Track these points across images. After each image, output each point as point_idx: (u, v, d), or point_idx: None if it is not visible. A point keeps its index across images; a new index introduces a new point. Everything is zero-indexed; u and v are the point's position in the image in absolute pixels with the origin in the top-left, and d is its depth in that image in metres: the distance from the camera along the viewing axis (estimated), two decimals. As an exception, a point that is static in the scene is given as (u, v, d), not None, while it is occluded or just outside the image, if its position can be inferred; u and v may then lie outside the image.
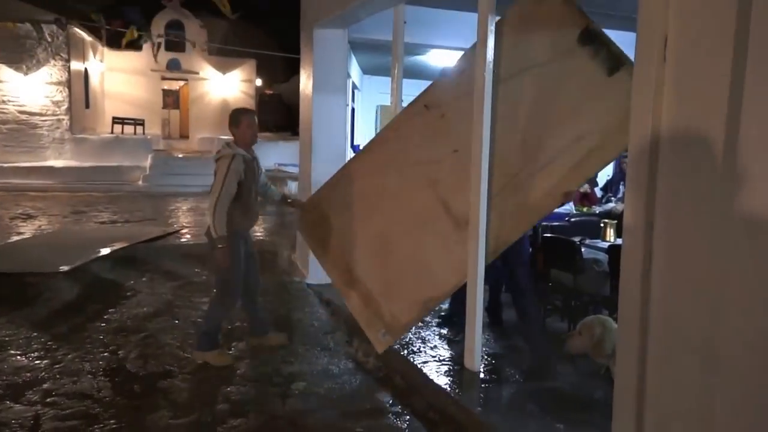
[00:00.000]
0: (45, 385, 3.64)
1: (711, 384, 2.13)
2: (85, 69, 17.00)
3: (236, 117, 4.10)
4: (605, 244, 4.60)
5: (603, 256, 4.42)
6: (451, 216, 3.74)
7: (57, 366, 3.93)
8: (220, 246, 3.86)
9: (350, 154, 10.50)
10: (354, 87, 12.05)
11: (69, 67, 15.63)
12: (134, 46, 18.65)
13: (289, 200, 4.89)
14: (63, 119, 15.52)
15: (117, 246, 6.88)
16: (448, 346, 4.29)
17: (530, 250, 4.65)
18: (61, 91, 15.59)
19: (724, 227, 2.04)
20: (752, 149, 1.93)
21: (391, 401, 3.62)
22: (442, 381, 3.69)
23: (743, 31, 1.93)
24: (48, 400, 3.45)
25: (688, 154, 2.22)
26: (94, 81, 17.85)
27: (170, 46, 19.48)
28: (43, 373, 3.81)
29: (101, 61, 18.53)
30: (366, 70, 13.00)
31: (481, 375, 3.74)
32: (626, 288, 2.48)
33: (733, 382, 2.04)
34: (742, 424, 2.02)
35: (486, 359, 3.97)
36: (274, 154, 15.15)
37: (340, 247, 4.37)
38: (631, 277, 2.45)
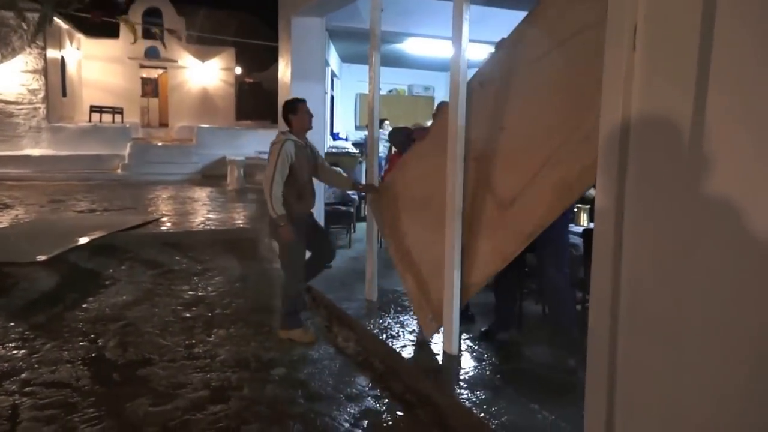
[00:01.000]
0: (23, 375, 3.63)
1: (677, 364, 2.20)
2: (62, 57, 16.74)
3: (293, 105, 4.30)
4: (579, 229, 4.66)
5: (579, 240, 4.48)
6: (496, 197, 3.62)
7: (35, 355, 3.93)
8: (281, 225, 4.08)
9: (330, 142, 10.49)
10: (333, 75, 12.01)
11: (45, 55, 15.38)
12: (112, 33, 18.41)
13: (360, 185, 5.17)
14: (39, 108, 15.28)
15: (96, 235, 6.84)
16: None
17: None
18: (37, 80, 15.35)
19: (691, 210, 2.10)
20: (718, 134, 1.99)
21: (370, 385, 3.67)
22: (421, 364, 3.74)
23: (709, 19, 1.98)
24: (26, 389, 3.45)
25: (658, 139, 2.27)
26: (71, 69, 17.58)
27: (149, 34, 19.24)
28: (21, 363, 3.80)
29: (78, 49, 18.23)
30: (345, 58, 12.96)
31: (461, 358, 3.79)
32: (598, 270, 2.53)
33: (698, 362, 2.10)
34: (708, 402, 2.08)
35: (468, 345, 4.02)
36: (253, 142, 15.05)
37: (402, 229, 4.41)
38: (602, 260, 2.50)
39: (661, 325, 2.28)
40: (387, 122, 11.65)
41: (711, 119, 1.99)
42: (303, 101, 4.37)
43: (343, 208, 7.02)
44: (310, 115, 4.34)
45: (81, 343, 4.15)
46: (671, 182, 2.20)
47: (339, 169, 7.43)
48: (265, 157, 13.79)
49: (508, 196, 3.54)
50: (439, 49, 9.46)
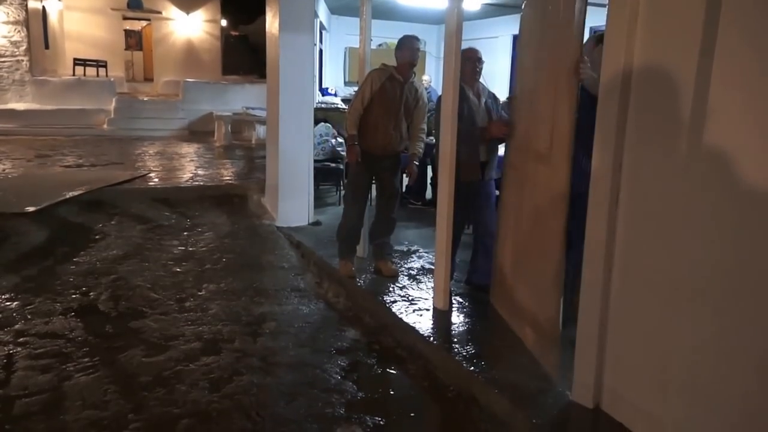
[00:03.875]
0: (17, 326, 3.67)
1: (668, 320, 2.24)
2: (43, 7, 16.28)
3: (400, 41, 4.30)
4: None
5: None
6: (532, 152, 3.34)
7: (28, 307, 3.96)
8: (349, 143, 4.26)
9: (318, 96, 10.38)
10: (322, 27, 11.80)
11: (26, 5, 14.95)
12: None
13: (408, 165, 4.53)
14: (22, 60, 14.91)
15: (84, 189, 6.80)
16: (417, 287, 4.39)
17: None
18: (19, 31, 14.93)
19: (690, 162, 2.10)
20: (721, 87, 1.97)
21: (360, 339, 3.73)
22: (411, 319, 3.79)
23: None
24: (20, 339, 3.49)
25: (657, 95, 2.26)
26: (52, 20, 17.10)
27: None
28: (15, 314, 3.83)
29: (59, -1, 17.75)
30: (334, 10, 12.70)
31: (451, 314, 3.86)
32: (593, 225, 2.55)
33: (689, 318, 2.15)
34: (696, 358, 2.14)
35: (458, 301, 4.08)
36: (241, 98, 14.84)
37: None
38: (598, 214, 2.52)
39: (654, 282, 2.32)
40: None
41: (718, 70, 1.97)
42: (412, 37, 4.31)
43: (332, 165, 7.00)
44: (415, 51, 4.23)
45: (73, 296, 4.18)
46: (669, 138, 2.21)
47: (328, 124, 7.39)
48: (254, 112, 13.49)
49: (543, 149, 3.16)
50: (432, 0, 9.30)
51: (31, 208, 5.75)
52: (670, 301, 2.21)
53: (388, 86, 4.18)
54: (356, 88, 4.44)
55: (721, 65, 1.96)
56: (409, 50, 4.22)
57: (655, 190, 2.29)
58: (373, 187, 4.62)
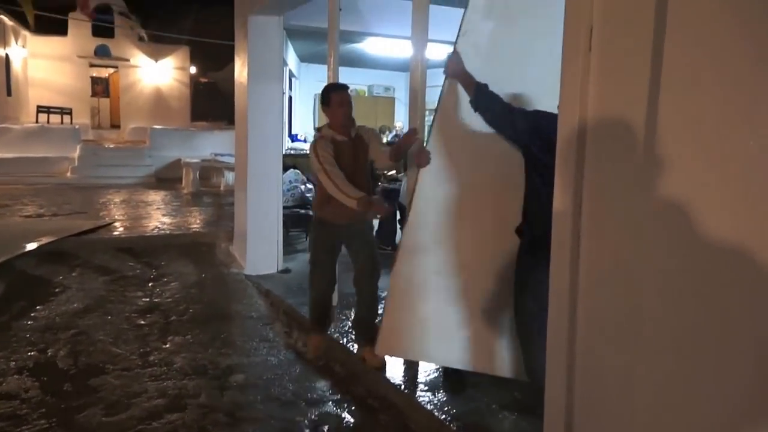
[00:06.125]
0: (-33, 388, 3.48)
1: (635, 367, 2.22)
2: (6, 55, 16.16)
3: (325, 95, 3.72)
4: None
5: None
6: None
7: (-20, 367, 3.77)
8: (367, 202, 3.50)
9: (288, 143, 10.39)
10: (291, 75, 11.91)
11: (-12, 53, 14.84)
12: (61, 31, 17.85)
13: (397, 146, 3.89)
14: (-17, 108, 14.74)
15: (44, 240, 6.61)
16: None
17: None
18: (-21, 79, 14.80)
19: (645, 213, 2.12)
20: (669, 136, 2.02)
21: (331, 389, 3.63)
22: (381, 368, 3.70)
23: (661, 20, 2.01)
24: (-29, 402, 3.31)
25: (614, 141, 2.29)
26: (16, 67, 16.97)
27: (99, 32, 18.71)
28: (-35, 375, 3.64)
29: (24, 46, 17.63)
30: (303, 58, 12.87)
31: (422, 362, 3.77)
32: (556, 273, 2.54)
33: (656, 365, 2.13)
34: (666, 404, 2.11)
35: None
36: (210, 144, 14.82)
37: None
38: (560, 262, 2.51)
39: (619, 328, 2.30)
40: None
41: (663, 122, 2.02)
42: (339, 87, 3.77)
43: (302, 211, 6.95)
44: (347, 105, 3.68)
45: (30, 353, 3.99)
46: (628, 184, 2.22)
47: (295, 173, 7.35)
48: (222, 159, 13.45)
49: None
50: (398, 49, 9.47)
51: (-13, 262, 5.56)
52: (637, 350, 2.19)
53: (338, 150, 3.65)
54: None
55: (666, 116, 2.00)
56: (338, 106, 3.67)
57: (616, 236, 2.29)
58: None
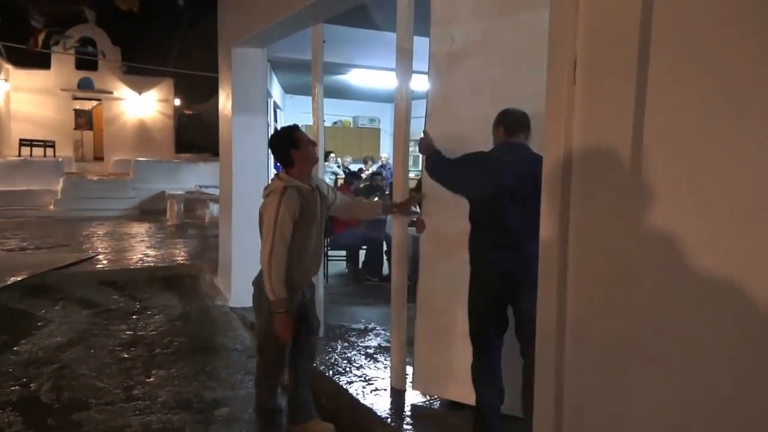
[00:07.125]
0: (-53, 425, 3.41)
1: (623, 391, 2.23)
2: (-11, 89, 16.15)
3: (288, 137, 3.14)
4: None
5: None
6: None
7: (-40, 404, 3.69)
8: (279, 311, 2.94)
9: (272, 174, 10.40)
10: (276, 107, 11.98)
11: (-30, 87, 14.80)
12: (43, 64, 17.86)
13: (394, 206, 3.71)
14: (-36, 142, 14.65)
15: (26, 274, 6.54)
16: (374, 365, 4.30)
17: None
18: (-39, 113, 14.74)
19: (632, 242, 2.14)
20: (654, 164, 2.05)
21: (318, 422, 3.59)
22: (368, 401, 3.69)
23: (645, 51, 2.06)
24: (-50, 440, 3.24)
25: (599, 172, 2.32)
26: (-2, 101, 16.96)
27: (82, 65, 18.75)
28: (-55, 412, 3.57)
29: (6, 80, 17.60)
30: (288, 90, 12.96)
31: (408, 394, 3.77)
32: (543, 299, 2.56)
33: (644, 389, 2.14)
34: (655, 427, 2.12)
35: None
36: (194, 176, 14.82)
37: None
38: (547, 288, 2.54)
39: (607, 354, 2.31)
40: (332, 155, 11.64)
41: (648, 152, 2.05)
42: (299, 128, 3.23)
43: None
44: (314, 144, 3.26)
45: (12, 388, 3.93)
46: (614, 214, 2.25)
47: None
48: (207, 191, 13.36)
49: None
50: (383, 80, 9.58)
51: (-32, 296, 5.49)
52: (625, 376, 2.20)
53: (306, 205, 3.06)
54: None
55: (651, 146, 2.04)
56: (310, 144, 3.20)
57: (603, 263, 2.31)
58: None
